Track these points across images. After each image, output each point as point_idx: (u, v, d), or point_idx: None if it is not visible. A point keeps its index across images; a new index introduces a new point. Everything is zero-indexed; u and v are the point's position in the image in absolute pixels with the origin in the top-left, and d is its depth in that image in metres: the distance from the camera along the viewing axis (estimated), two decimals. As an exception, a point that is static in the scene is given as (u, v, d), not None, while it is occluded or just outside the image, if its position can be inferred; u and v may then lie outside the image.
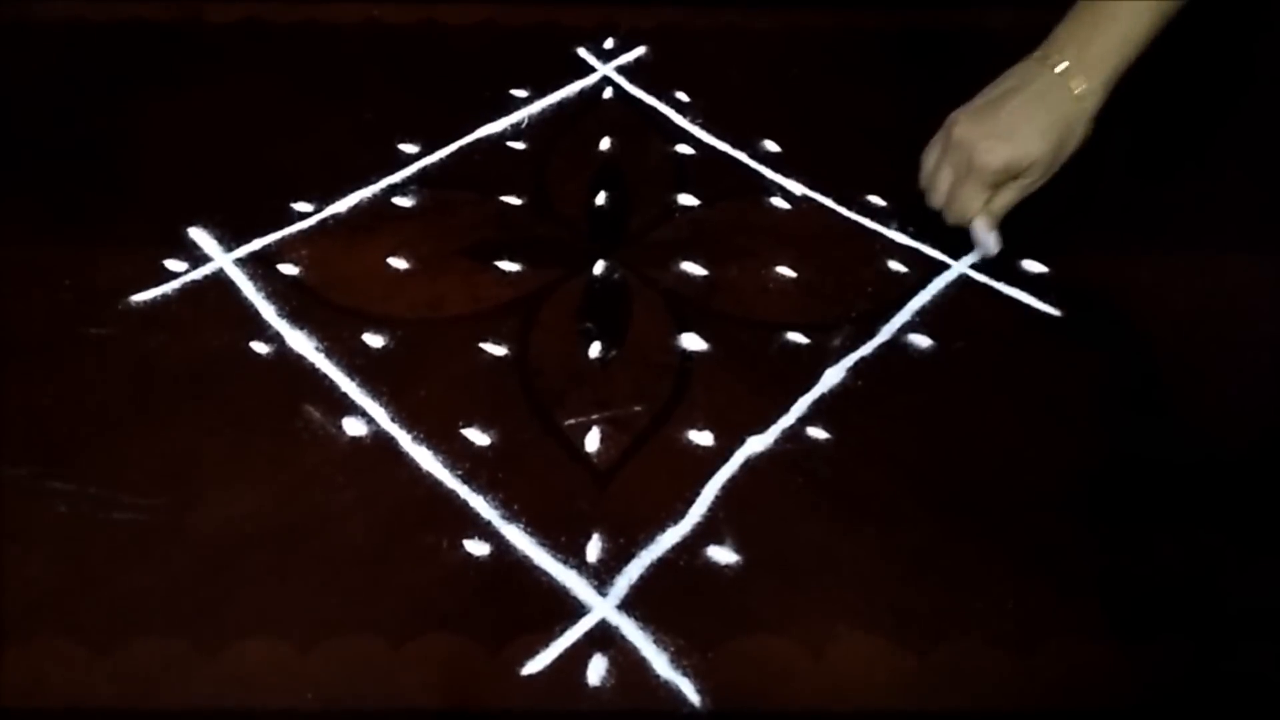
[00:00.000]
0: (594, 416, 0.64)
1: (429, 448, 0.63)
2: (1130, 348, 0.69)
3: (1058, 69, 0.68)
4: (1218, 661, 0.55)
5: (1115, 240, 0.75)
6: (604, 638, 0.55)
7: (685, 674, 0.54)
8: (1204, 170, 0.81)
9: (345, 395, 0.65)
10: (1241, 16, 0.88)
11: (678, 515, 0.60)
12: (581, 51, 0.89)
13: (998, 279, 0.72)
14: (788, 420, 0.64)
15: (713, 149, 0.81)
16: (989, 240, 0.71)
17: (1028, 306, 0.71)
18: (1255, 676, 0.55)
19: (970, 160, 0.68)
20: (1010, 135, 0.68)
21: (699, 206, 0.77)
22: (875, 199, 0.77)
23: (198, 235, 0.74)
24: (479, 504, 0.60)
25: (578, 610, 0.56)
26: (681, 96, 0.85)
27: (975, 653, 0.55)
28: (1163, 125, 0.82)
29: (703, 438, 0.64)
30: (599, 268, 0.73)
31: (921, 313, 0.70)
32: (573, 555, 0.58)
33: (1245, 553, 0.59)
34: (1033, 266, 0.73)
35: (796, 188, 0.78)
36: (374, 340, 0.68)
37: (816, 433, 0.64)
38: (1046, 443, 0.64)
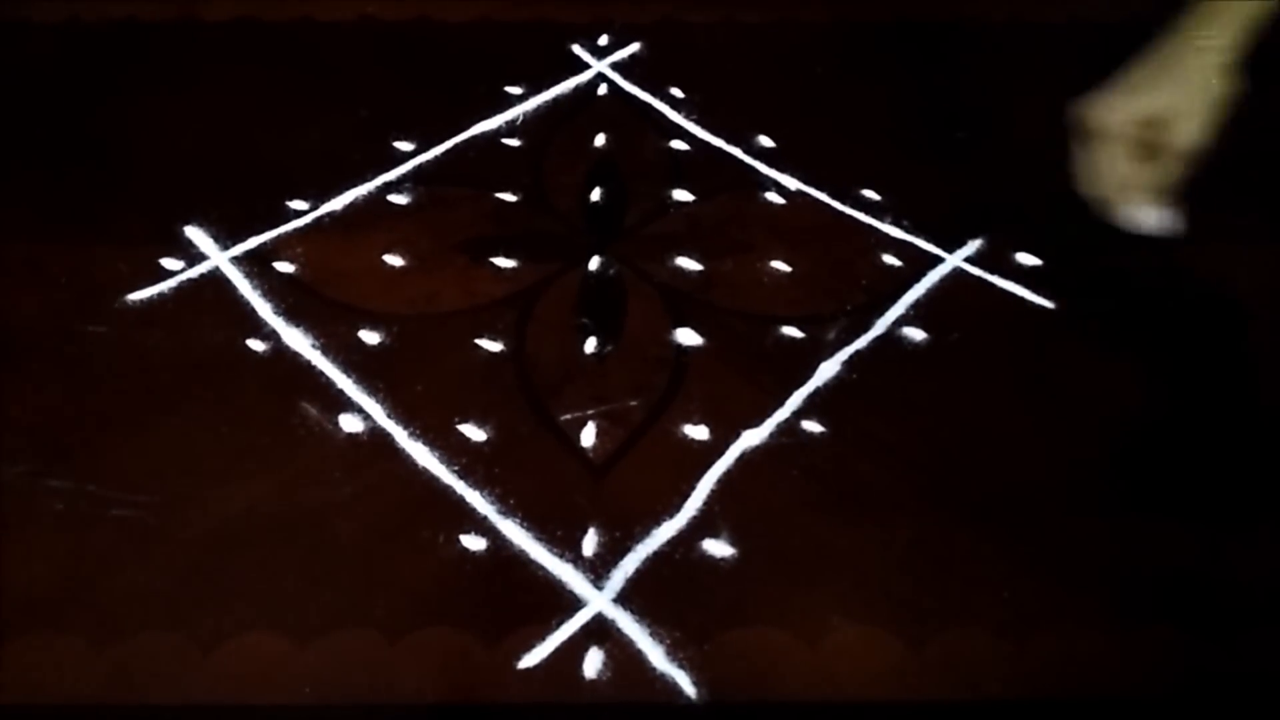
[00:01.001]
0: (590, 411, 0.65)
1: (425, 443, 0.63)
2: (1124, 338, 0.69)
3: (1182, 27, 0.62)
4: (1213, 649, 0.55)
5: (1109, 233, 0.75)
6: (600, 631, 0.55)
7: (682, 666, 0.54)
8: (1199, 162, 0.81)
9: (342, 391, 0.66)
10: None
11: (673, 509, 0.60)
12: (576, 48, 0.89)
13: (991, 272, 0.72)
14: (783, 413, 0.65)
15: (707, 144, 0.81)
16: (1150, 219, 0.63)
17: (1021, 299, 0.71)
18: (1250, 664, 0.55)
19: (1100, 129, 0.63)
20: (1130, 90, 0.62)
21: (694, 201, 0.77)
22: (870, 193, 0.77)
23: (194, 233, 0.74)
24: (475, 499, 0.61)
25: (574, 604, 0.56)
26: (676, 92, 0.85)
27: (970, 642, 0.55)
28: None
29: (698, 431, 0.64)
30: (595, 263, 0.73)
31: (916, 306, 0.71)
32: (569, 549, 0.59)
33: (1239, 543, 0.59)
34: (1026, 259, 0.73)
35: (791, 182, 0.78)
36: (370, 337, 0.68)
37: (812, 426, 0.64)
38: (1040, 434, 0.64)
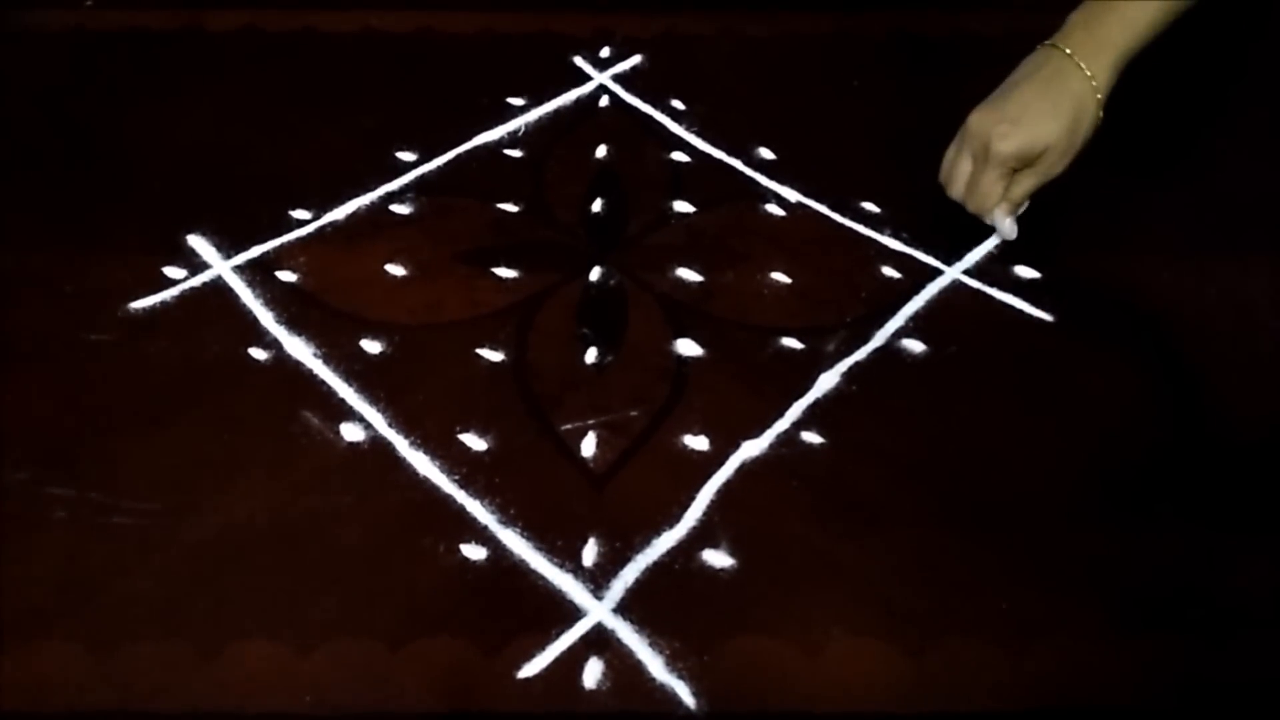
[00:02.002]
0: (590, 421, 0.65)
1: (426, 453, 0.63)
2: (1122, 351, 0.69)
3: (1067, 50, 0.68)
4: (1211, 658, 0.55)
5: (1107, 245, 0.76)
6: (600, 641, 0.56)
7: (681, 676, 0.54)
8: (1195, 173, 0.81)
9: (343, 401, 0.66)
10: (1236, 16, 0.88)
11: (673, 519, 0.60)
12: (578, 60, 0.89)
13: (990, 284, 0.73)
14: (783, 424, 0.65)
15: (708, 156, 0.82)
16: (1006, 227, 0.72)
17: (1020, 311, 0.71)
18: (1248, 672, 0.55)
19: (986, 148, 0.69)
20: (1021, 118, 0.68)
21: (695, 213, 0.78)
22: (869, 205, 0.78)
23: (196, 242, 0.75)
24: (476, 508, 0.61)
25: (574, 614, 0.57)
26: (677, 104, 0.86)
27: (970, 653, 0.55)
28: (1154, 129, 0.83)
29: (698, 442, 0.64)
30: (596, 273, 0.74)
31: (915, 318, 0.71)
32: (569, 559, 0.59)
33: (1238, 550, 0.59)
34: (1025, 272, 0.73)
35: (791, 194, 0.79)
36: (371, 346, 0.69)
37: (811, 437, 0.64)
38: (1038, 445, 0.64)
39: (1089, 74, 0.68)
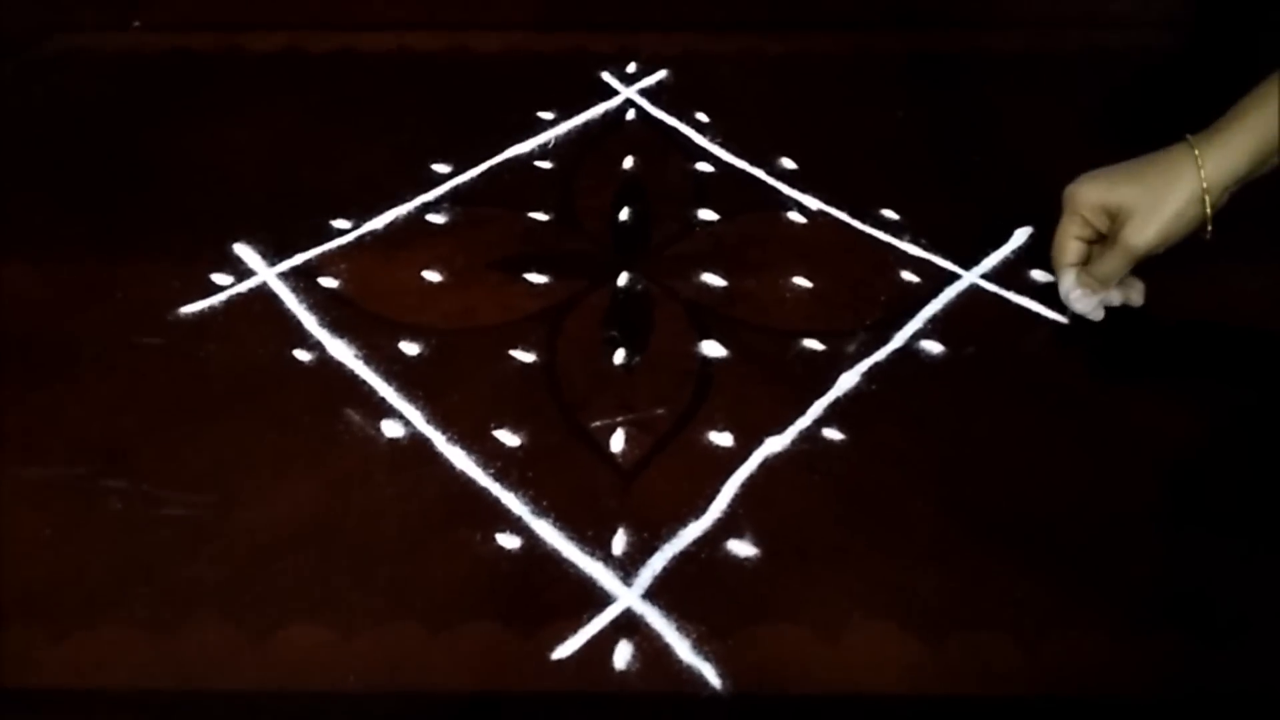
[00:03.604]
0: (619, 419, 0.68)
1: (462, 448, 0.66)
2: (1137, 354, 0.71)
3: (1189, 139, 0.66)
4: (1217, 658, 0.57)
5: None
6: (629, 625, 0.58)
7: (707, 659, 0.57)
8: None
9: (383, 400, 0.69)
10: (1242, 17, 0.90)
11: (699, 511, 0.63)
12: (605, 75, 0.93)
13: (1008, 288, 0.75)
14: (804, 422, 0.67)
15: (731, 166, 0.85)
16: (1073, 295, 0.70)
17: (1036, 314, 0.73)
18: (1252, 673, 0.56)
19: (1069, 203, 0.69)
20: (1103, 173, 0.68)
21: (718, 221, 0.81)
22: (888, 213, 0.80)
23: (243, 251, 0.78)
24: (510, 501, 0.63)
25: (604, 599, 0.59)
26: (701, 117, 0.89)
27: (983, 643, 0.57)
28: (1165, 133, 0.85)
29: (723, 439, 0.66)
30: (623, 279, 0.76)
31: (933, 320, 0.73)
32: (599, 548, 0.61)
33: (1245, 549, 0.61)
34: (1041, 276, 0.76)
35: (812, 203, 0.82)
36: (410, 348, 0.72)
37: (832, 434, 0.67)
38: (1053, 443, 0.66)
39: (1198, 159, 0.65)
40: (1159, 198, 0.66)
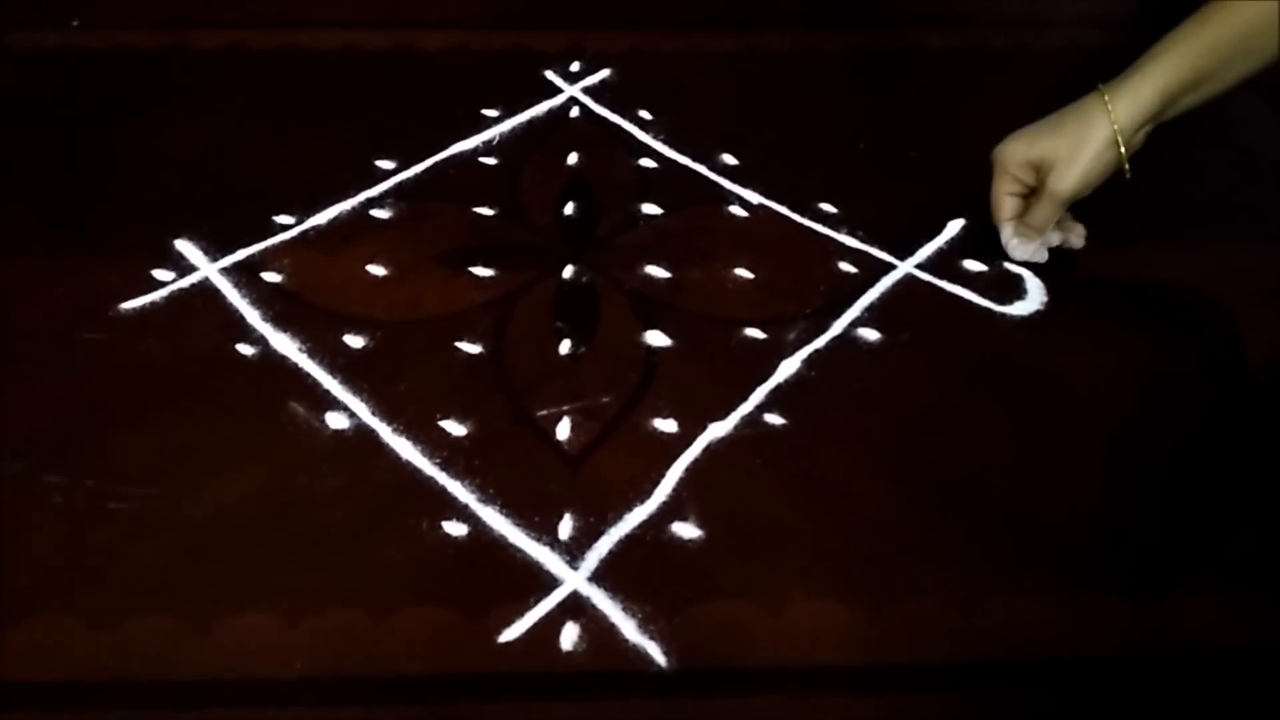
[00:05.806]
0: (565, 407, 0.68)
1: (409, 438, 0.66)
2: (1065, 333, 0.74)
3: (1100, 87, 0.70)
4: (1148, 615, 0.59)
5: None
6: (576, 607, 0.59)
7: (652, 637, 0.58)
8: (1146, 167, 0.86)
9: (328, 392, 0.69)
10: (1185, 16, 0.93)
11: (644, 495, 0.64)
12: (550, 74, 0.94)
13: (940, 277, 0.77)
14: (747, 407, 0.69)
15: (674, 162, 0.86)
16: (1011, 243, 0.76)
17: (966, 300, 0.76)
18: (1183, 628, 0.59)
19: (998, 163, 0.74)
20: (1026, 131, 0.73)
21: (662, 215, 0.82)
22: (827, 206, 0.82)
23: (184, 246, 0.78)
24: (457, 489, 0.64)
25: (551, 583, 0.60)
26: (645, 114, 0.90)
27: (924, 610, 0.59)
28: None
29: (667, 425, 0.68)
30: (568, 271, 0.77)
31: (870, 309, 0.75)
32: (546, 533, 0.62)
33: (1180, 509, 0.64)
34: (972, 265, 0.78)
35: (753, 197, 0.83)
36: (355, 341, 0.72)
37: (773, 418, 0.68)
38: (984, 421, 0.68)
39: (1109, 105, 0.69)
40: (1076, 145, 0.70)
